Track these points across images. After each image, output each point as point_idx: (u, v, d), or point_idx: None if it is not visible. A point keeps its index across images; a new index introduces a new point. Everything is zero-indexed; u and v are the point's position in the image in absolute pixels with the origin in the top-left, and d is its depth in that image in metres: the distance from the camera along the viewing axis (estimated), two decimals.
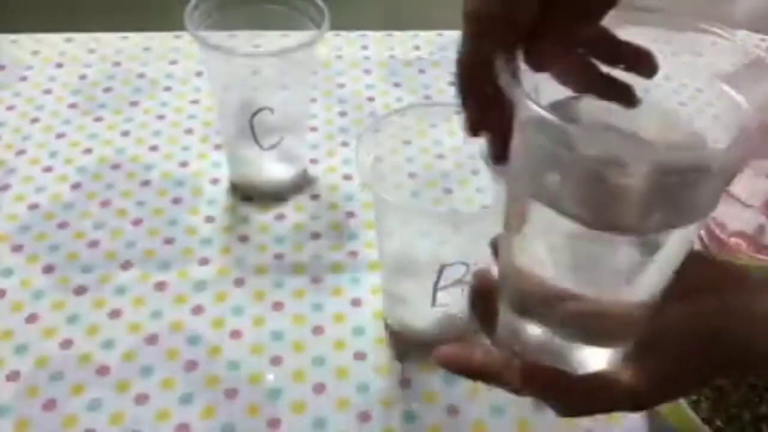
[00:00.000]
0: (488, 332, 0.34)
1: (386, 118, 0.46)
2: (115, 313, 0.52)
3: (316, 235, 0.58)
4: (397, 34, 0.79)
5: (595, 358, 0.32)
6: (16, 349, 0.49)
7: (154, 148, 0.65)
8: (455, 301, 0.47)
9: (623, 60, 0.36)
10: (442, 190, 0.62)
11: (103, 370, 0.49)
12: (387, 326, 0.52)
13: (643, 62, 0.36)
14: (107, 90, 0.70)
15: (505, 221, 0.32)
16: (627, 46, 0.35)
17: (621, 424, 0.47)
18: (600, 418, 0.47)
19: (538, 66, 0.30)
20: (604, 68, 0.36)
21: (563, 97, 0.34)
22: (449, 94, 0.72)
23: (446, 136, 0.66)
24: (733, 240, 0.57)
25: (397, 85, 0.72)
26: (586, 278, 0.30)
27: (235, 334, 0.51)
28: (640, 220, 0.28)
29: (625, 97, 0.37)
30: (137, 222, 0.58)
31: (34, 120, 0.67)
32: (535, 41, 0.30)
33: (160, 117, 0.68)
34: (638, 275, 0.29)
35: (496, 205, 0.45)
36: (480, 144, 0.45)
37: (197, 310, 0.52)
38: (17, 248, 0.56)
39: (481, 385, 0.49)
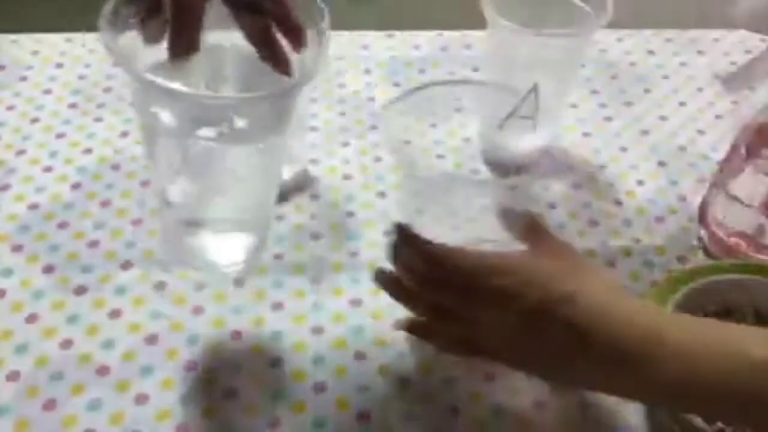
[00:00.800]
0: None
1: (412, 93, 0.45)
2: (115, 313, 0.52)
3: (316, 235, 0.58)
4: (397, 34, 0.78)
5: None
6: (16, 349, 0.49)
7: None
8: None
9: (281, 26, 0.40)
10: (442, 190, 0.62)
11: (103, 370, 0.49)
12: None
13: (291, 35, 0.41)
14: (107, 90, 0.70)
15: None
16: (287, 16, 0.40)
17: (621, 423, 0.47)
18: (600, 419, 0.47)
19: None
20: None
21: None
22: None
23: (446, 136, 0.66)
24: (733, 240, 0.57)
25: (397, 85, 0.72)
26: None
27: (235, 334, 0.51)
28: None
29: (277, 63, 0.41)
30: (137, 222, 0.58)
31: (34, 120, 0.67)
32: None
33: None
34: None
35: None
36: (480, 145, 0.45)
37: (197, 310, 0.52)
38: (17, 248, 0.56)
39: (481, 386, 0.49)
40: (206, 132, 0.37)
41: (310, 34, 0.41)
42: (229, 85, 0.40)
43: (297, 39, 0.41)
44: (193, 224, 0.42)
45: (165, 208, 0.42)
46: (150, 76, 0.33)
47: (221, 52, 0.40)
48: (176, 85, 0.33)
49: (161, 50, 0.37)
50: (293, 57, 0.41)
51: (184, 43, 0.37)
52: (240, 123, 0.37)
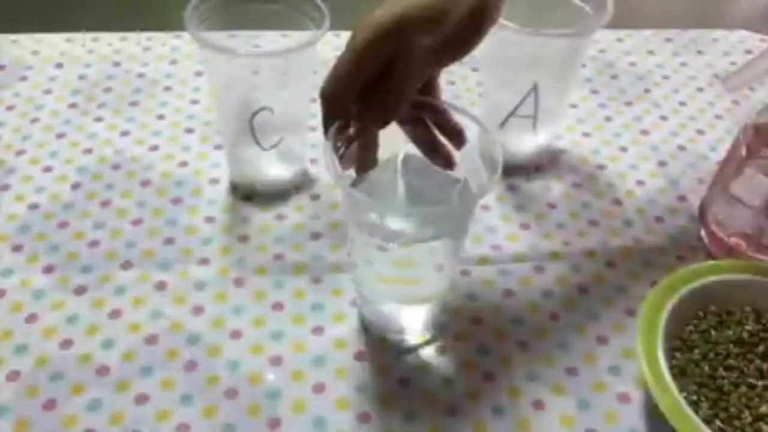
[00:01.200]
0: None
1: None
2: (115, 313, 0.52)
3: (316, 235, 0.58)
4: None
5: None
6: (16, 349, 0.49)
7: (154, 148, 0.65)
8: None
9: (442, 130, 0.48)
10: None
11: (103, 370, 0.49)
12: None
13: (453, 136, 0.48)
14: (107, 90, 0.70)
15: None
16: (447, 121, 0.48)
17: (621, 423, 0.47)
18: (599, 418, 0.47)
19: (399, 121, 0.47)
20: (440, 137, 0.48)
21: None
22: (447, 93, 0.72)
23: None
24: (733, 240, 0.57)
25: None
26: None
27: (235, 334, 0.51)
28: None
29: (444, 162, 0.49)
30: (137, 222, 0.58)
31: (34, 120, 0.67)
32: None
33: (160, 117, 0.68)
34: None
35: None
36: (480, 145, 0.46)
37: (197, 310, 0.52)
38: (17, 248, 0.56)
39: (481, 386, 0.49)
40: (398, 232, 0.45)
41: (477, 136, 0.47)
42: (405, 189, 0.49)
43: (458, 140, 0.48)
44: (385, 301, 0.51)
45: (370, 294, 0.51)
46: (355, 193, 0.43)
47: (393, 162, 0.49)
48: (370, 199, 0.43)
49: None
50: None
51: (366, 160, 0.47)
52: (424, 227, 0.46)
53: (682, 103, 0.73)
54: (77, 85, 0.71)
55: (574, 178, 0.64)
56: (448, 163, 0.49)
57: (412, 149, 0.49)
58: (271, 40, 0.61)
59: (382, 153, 0.48)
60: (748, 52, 0.80)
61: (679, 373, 0.47)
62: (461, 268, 0.56)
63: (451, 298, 0.53)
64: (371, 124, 0.45)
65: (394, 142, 0.48)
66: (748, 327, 0.50)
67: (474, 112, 0.49)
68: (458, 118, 0.48)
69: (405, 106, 0.45)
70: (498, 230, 0.59)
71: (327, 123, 0.45)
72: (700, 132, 0.70)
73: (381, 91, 0.44)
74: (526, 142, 0.64)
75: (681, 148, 0.68)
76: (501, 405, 0.48)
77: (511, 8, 0.55)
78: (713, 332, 0.50)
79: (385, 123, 0.45)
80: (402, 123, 0.48)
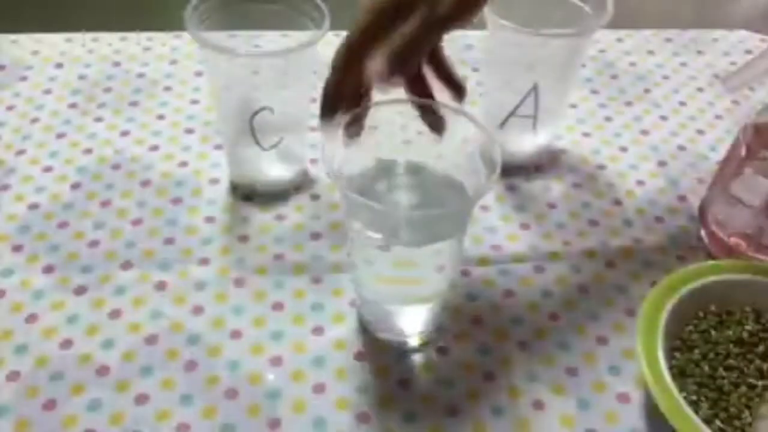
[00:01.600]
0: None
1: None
2: (115, 313, 0.52)
3: (316, 235, 0.58)
4: None
5: None
6: (16, 349, 0.49)
7: (154, 148, 0.65)
8: None
9: (443, 80, 0.50)
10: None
11: (103, 370, 0.49)
12: None
13: (454, 88, 0.50)
14: (107, 90, 0.70)
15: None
16: (449, 74, 0.50)
17: (621, 423, 0.47)
18: (599, 418, 0.48)
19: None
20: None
21: None
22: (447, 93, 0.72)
23: (446, 135, 0.66)
24: (733, 240, 0.57)
25: None
26: None
27: (235, 334, 0.51)
28: None
29: (435, 127, 0.49)
30: (137, 222, 0.58)
31: (34, 120, 0.67)
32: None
33: (160, 117, 0.68)
34: None
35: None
36: (480, 145, 0.46)
37: (197, 310, 0.52)
38: (17, 248, 0.56)
39: (481, 386, 0.49)
40: (398, 234, 0.45)
41: (476, 133, 0.47)
42: (404, 191, 0.50)
43: (458, 92, 0.50)
44: (385, 301, 0.51)
45: (370, 294, 0.51)
46: (352, 195, 0.42)
47: (395, 165, 0.50)
48: (368, 201, 0.42)
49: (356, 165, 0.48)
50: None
51: (356, 126, 0.47)
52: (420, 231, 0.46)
53: (682, 103, 0.73)
54: (77, 85, 0.71)
55: (574, 178, 0.64)
56: (439, 130, 0.49)
57: (412, 155, 0.49)
58: (271, 40, 0.61)
59: (383, 156, 0.48)
60: (748, 52, 0.80)
61: (679, 373, 0.47)
62: (461, 268, 0.56)
63: (451, 298, 0.53)
64: (381, 71, 0.46)
65: (394, 146, 0.48)
66: (748, 327, 0.50)
67: (474, 112, 0.49)
68: (456, 118, 0.48)
69: (417, 60, 0.46)
70: (498, 230, 0.59)
71: (331, 98, 0.46)
72: (700, 132, 0.70)
73: (397, 39, 0.45)
74: (526, 142, 0.64)
75: (681, 148, 0.68)
76: (501, 405, 0.48)
77: (511, 8, 0.55)
78: (713, 332, 0.50)
79: (392, 72, 0.46)
80: (406, 80, 0.49)
